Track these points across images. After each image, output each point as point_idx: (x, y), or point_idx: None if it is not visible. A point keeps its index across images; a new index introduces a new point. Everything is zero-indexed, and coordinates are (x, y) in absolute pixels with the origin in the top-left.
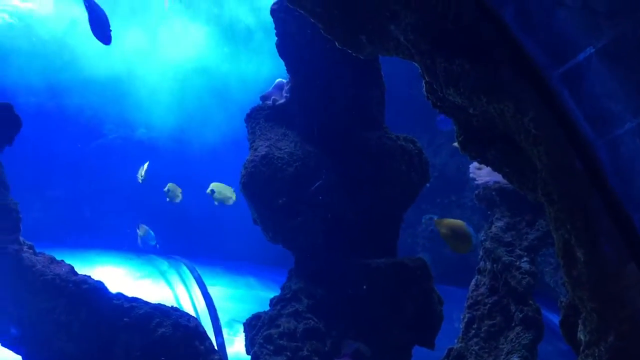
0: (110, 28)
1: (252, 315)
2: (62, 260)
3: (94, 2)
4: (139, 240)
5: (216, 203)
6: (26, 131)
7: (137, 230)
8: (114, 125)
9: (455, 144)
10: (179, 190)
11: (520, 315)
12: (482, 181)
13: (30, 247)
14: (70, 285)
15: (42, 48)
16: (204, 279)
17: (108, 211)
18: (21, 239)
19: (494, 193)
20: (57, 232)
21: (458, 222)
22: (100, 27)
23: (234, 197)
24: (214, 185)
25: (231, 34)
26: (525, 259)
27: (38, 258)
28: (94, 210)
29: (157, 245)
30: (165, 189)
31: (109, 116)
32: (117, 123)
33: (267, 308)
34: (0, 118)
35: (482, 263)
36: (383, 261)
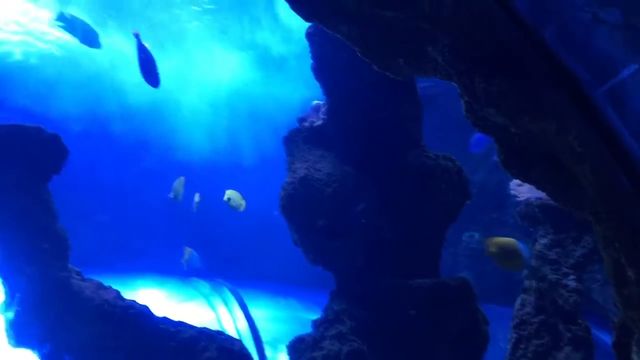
0: (158, 71)
1: (295, 337)
2: (109, 286)
3: (144, 47)
4: (184, 263)
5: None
6: (73, 159)
7: (183, 254)
8: (155, 149)
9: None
10: (240, 197)
11: (569, 335)
12: (524, 198)
13: (78, 274)
14: (118, 310)
15: (86, 78)
16: (246, 301)
17: (150, 235)
18: (70, 265)
19: (536, 210)
20: (102, 256)
21: (508, 240)
22: (149, 71)
23: (244, 203)
24: (229, 193)
25: (265, 59)
26: (571, 276)
27: (86, 284)
28: (137, 234)
29: (203, 268)
30: (226, 197)
31: (150, 141)
32: (158, 147)
33: (308, 329)
34: (48, 148)
35: (526, 281)
36: (425, 281)
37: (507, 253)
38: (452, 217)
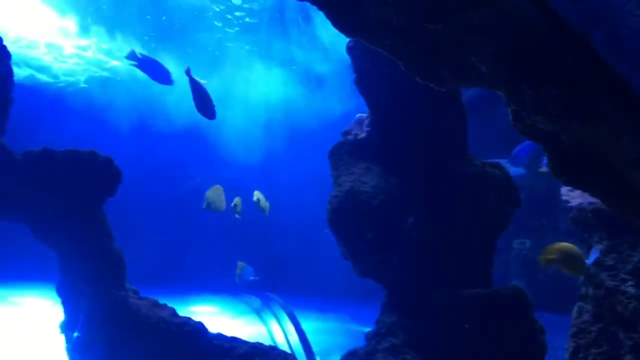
0: (213, 103)
1: (348, 351)
2: (165, 304)
3: (197, 82)
4: (237, 277)
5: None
6: (125, 179)
7: (236, 268)
8: (201, 167)
9: (542, 170)
10: (263, 199)
11: (630, 343)
12: (576, 203)
13: (135, 292)
14: (173, 327)
15: (135, 101)
16: (296, 314)
17: (201, 252)
18: (127, 285)
19: (589, 215)
20: (156, 275)
21: (567, 245)
22: (205, 106)
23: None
24: (258, 194)
25: (305, 75)
26: (630, 282)
27: (142, 302)
28: (188, 252)
29: (257, 280)
30: (255, 198)
31: (196, 159)
32: (204, 165)
33: (359, 341)
34: (102, 171)
35: (583, 289)
36: (478, 291)
37: (569, 258)
38: (501, 225)
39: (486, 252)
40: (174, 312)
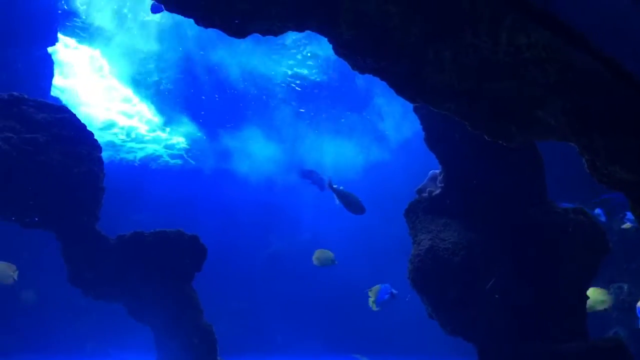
0: (360, 200)
1: None
2: None
3: (341, 191)
4: (374, 303)
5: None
6: (209, 253)
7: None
8: (279, 232)
9: (625, 226)
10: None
11: None
12: None
13: None
14: None
15: (214, 176)
16: None
17: (281, 317)
18: (219, 358)
19: None
20: (239, 341)
21: None
22: (354, 207)
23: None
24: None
25: (382, 143)
26: None
27: None
28: (268, 317)
29: (395, 293)
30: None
31: (275, 226)
32: (282, 230)
33: None
34: (189, 249)
35: None
36: (574, 345)
37: None
38: (591, 273)
39: (578, 301)
40: None
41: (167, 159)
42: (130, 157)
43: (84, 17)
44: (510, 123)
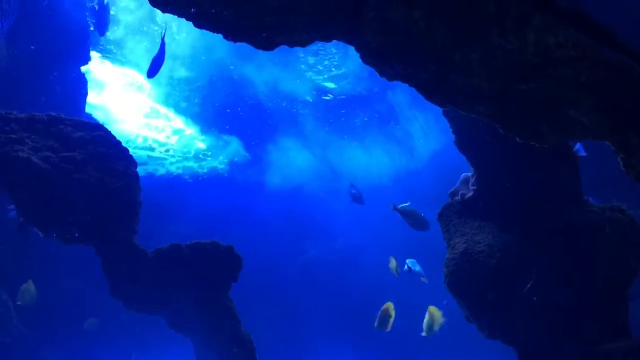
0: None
1: None
2: None
3: (407, 210)
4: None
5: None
6: (244, 263)
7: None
8: (313, 241)
9: None
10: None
11: None
12: None
13: None
14: None
15: (247, 187)
16: None
17: (318, 326)
18: None
19: None
20: (277, 349)
21: None
22: (420, 225)
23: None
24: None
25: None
26: None
27: None
28: (303, 326)
29: (424, 279)
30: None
31: (308, 234)
32: (315, 238)
33: None
34: (225, 260)
35: None
36: (615, 345)
37: None
38: (632, 270)
39: (620, 301)
40: None
41: (200, 171)
42: (163, 170)
43: (112, 38)
44: (542, 124)
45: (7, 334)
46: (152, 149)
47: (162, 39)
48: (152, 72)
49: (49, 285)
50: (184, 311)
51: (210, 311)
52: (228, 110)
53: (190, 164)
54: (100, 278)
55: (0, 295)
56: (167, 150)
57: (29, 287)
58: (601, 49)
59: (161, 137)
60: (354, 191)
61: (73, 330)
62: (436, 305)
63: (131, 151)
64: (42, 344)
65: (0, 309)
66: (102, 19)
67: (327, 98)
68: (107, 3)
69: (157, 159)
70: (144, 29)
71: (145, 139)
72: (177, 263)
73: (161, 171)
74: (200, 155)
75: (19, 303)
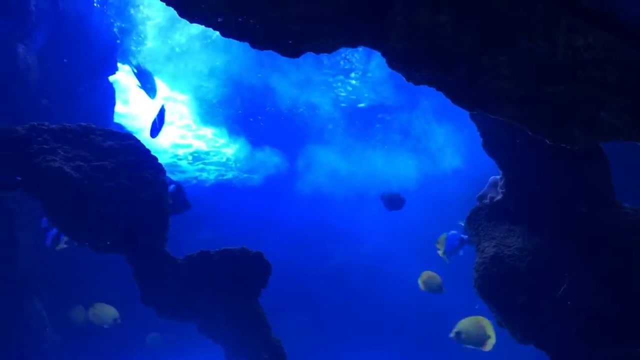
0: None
1: None
2: None
3: (462, 237)
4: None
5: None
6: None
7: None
8: (340, 246)
9: None
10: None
11: None
12: None
13: None
14: None
15: (273, 193)
16: None
17: (347, 328)
18: None
19: None
20: (306, 355)
21: None
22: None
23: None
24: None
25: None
26: None
27: None
28: (329, 331)
29: (464, 238)
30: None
31: (335, 240)
32: (343, 243)
33: None
34: (254, 266)
35: None
36: None
37: None
38: None
39: None
40: None
41: (227, 177)
42: (190, 177)
43: (138, 49)
44: (573, 126)
45: (42, 341)
46: (181, 157)
47: (162, 107)
48: (154, 133)
49: (81, 292)
50: (214, 317)
51: (240, 317)
52: (252, 119)
53: (218, 170)
54: (130, 284)
55: (35, 304)
56: (194, 157)
57: (105, 308)
58: (631, 50)
59: (188, 144)
60: (389, 195)
61: (104, 337)
62: (468, 311)
63: (160, 159)
64: (76, 351)
65: (35, 318)
66: (159, 121)
67: (344, 105)
68: (163, 107)
69: (183, 165)
70: (169, 41)
71: (173, 146)
72: (207, 270)
73: (187, 177)
74: (230, 163)
75: (105, 326)
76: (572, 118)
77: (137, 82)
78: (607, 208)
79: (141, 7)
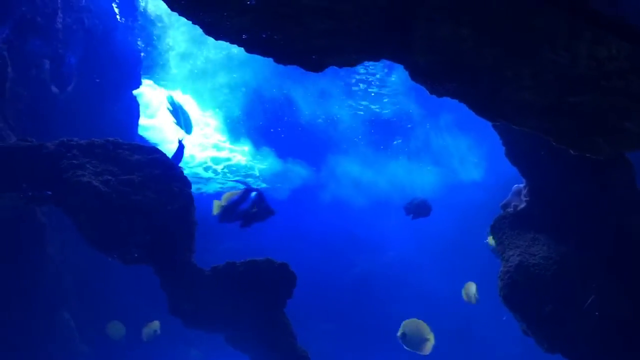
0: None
1: None
2: None
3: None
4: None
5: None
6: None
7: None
8: (364, 254)
9: None
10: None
11: None
12: None
13: None
14: None
15: (297, 202)
16: None
17: (372, 336)
18: None
19: None
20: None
21: None
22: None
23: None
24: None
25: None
26: None
27: None
28: (356, 339)
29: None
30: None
31: (359, 247)
32: (367, 251)
33: None
34: (279, 276)
35: None
36: None
37: None
38: None
39: None
40: None
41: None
42: (211, 189)
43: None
44: (597, 136)
45: (72, 353)
46: (205, 168)
47: (180, 144)
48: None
49: (107, 302)
50: (240, 328)
51: (266, 328)
52: (272, 129)
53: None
54: (156, 293)
55: (63, 316)
56: (216, 170)
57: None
58: None
59: (211, 155)
60: (415, 201)
61: (132, 346)
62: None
63: (186, 172)
64: None
65: (64, 329)
66: (177, 157)
67: (365, 115)
68: (181, 143)
69: (208, 178)
70: (193, 56)
71: (194, 157)
72: (233, 280)
73: (209, 189)
74: (250, 172)
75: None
76: (596, 128)
77: (172, 119)
78: (633, 216)
79: (166, 29)
